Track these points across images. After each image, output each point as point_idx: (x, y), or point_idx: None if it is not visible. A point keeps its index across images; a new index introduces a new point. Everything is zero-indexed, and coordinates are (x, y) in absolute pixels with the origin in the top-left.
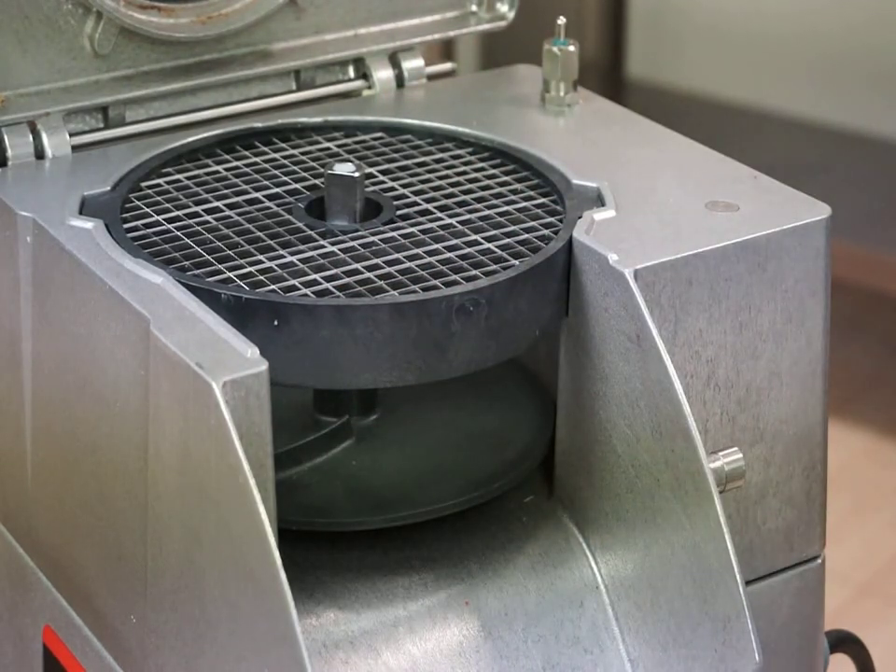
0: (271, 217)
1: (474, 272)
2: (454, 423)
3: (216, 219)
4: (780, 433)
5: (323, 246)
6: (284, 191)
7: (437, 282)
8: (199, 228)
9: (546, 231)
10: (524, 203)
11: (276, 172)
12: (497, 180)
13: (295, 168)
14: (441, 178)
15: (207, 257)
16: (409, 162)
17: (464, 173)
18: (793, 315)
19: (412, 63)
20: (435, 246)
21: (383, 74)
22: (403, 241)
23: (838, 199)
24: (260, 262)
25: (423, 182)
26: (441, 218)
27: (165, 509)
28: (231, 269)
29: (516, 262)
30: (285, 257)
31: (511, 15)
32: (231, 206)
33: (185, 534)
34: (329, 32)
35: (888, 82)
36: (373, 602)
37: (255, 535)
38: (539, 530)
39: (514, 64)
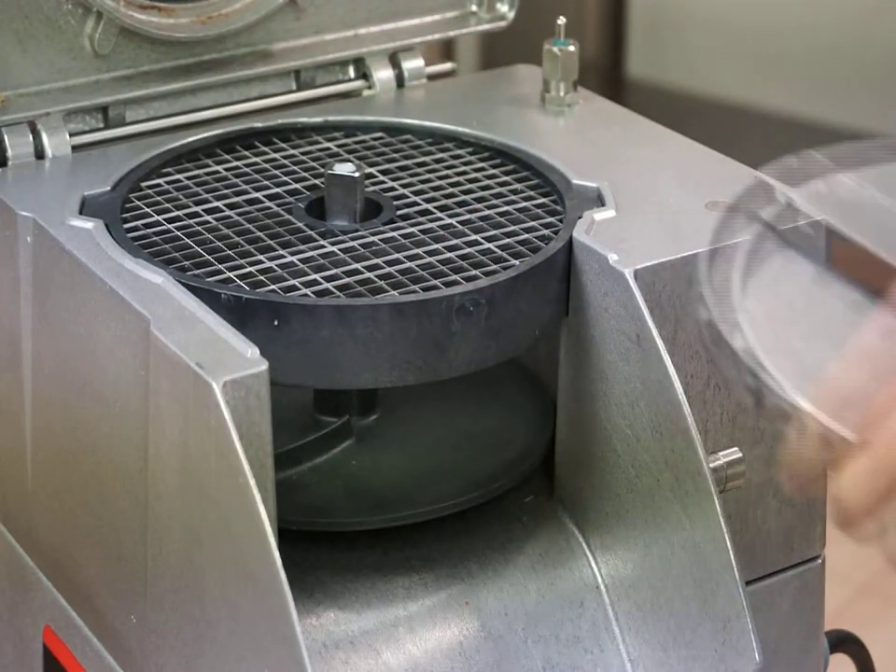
0: (271, 217)
1: (474, 272)
2: (454, 423)
3: (216, 219)
4: (780, 433)
5: (323, 246)
6: (284, 191)
7: (437, 282)
8: (199, 228)
9: (546, 231)
10: (524, 203)
11: (276, 172)
12: (497, 180)
13: (295, 168)
14: (441, 178)
15: (207, 257)
16: (409, 162)
17: (464, 173)
18: None
19: (412, 63)
20: (435, 246)
21: (383, 74)
22: (403, 241)
23: None
24: (260, 262)
25: (423, 182)
26: (441, 218)
27: (165, 509)
28: (232, 269)
29: (516, 262)
30: (285, 257)
31: (511, 15)
32: (231, 206)
33: (185, 534)
34: (329, 32)
35: (888, 82)
36: (373, 602)
37: (255, 535)
38: (539, 530)
39: (514, 64)
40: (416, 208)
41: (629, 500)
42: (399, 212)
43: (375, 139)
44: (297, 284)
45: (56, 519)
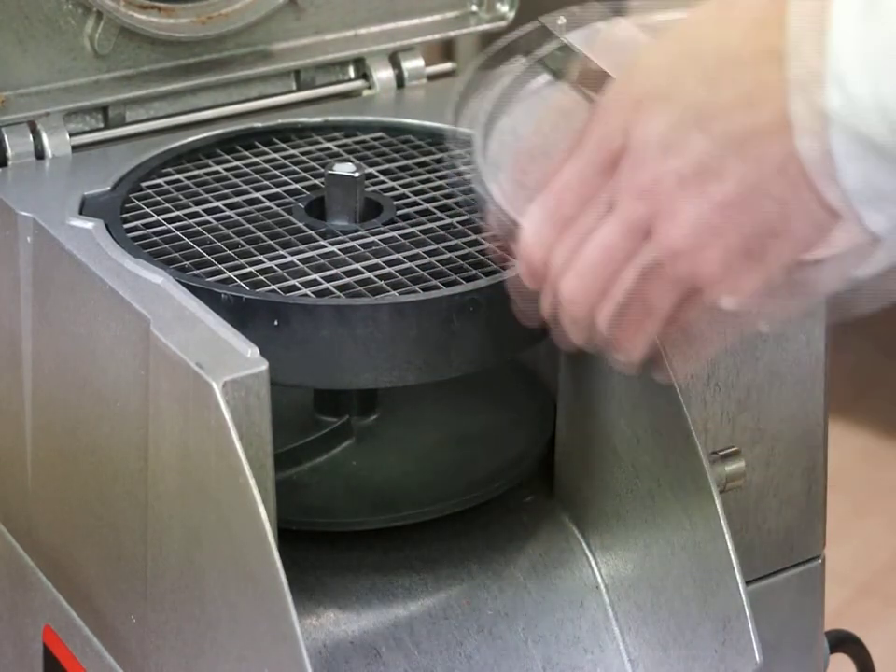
0: (271, 217)
1: (474, 272)
2: (454, 423)
3: (216, 219)
4: (780, 433)
5: (323, 246)
6: (284, 191)
7: (437, 282)
8: (199, 228)
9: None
10: None
11: (276, 172)
12: None
13: (295, 168)
14: (441, 178)
15: (207, 257)
16: (409, 162)
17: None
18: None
19: (412, 63)
20: (435, 246)
21: (383, 74)
22: (403, 241)
23: None
24: (260, 262)
25: (423, 182)
26: (441, 218)
27: (165, 509)
28: (232, 269)
29: (517, 262)
30: (285, 257)
31: (511, 15)
32: (231, 206)
33: (185, 534)
34: (329, 32)
35: None
36: (373, 602)
37: (255, 535)
38: (539, 530)
39: None
40: (416, 208)
41: (629, 500)
42: (399, 212)
43: (375, 139)
44: (297, 284)
45: (56, 519)
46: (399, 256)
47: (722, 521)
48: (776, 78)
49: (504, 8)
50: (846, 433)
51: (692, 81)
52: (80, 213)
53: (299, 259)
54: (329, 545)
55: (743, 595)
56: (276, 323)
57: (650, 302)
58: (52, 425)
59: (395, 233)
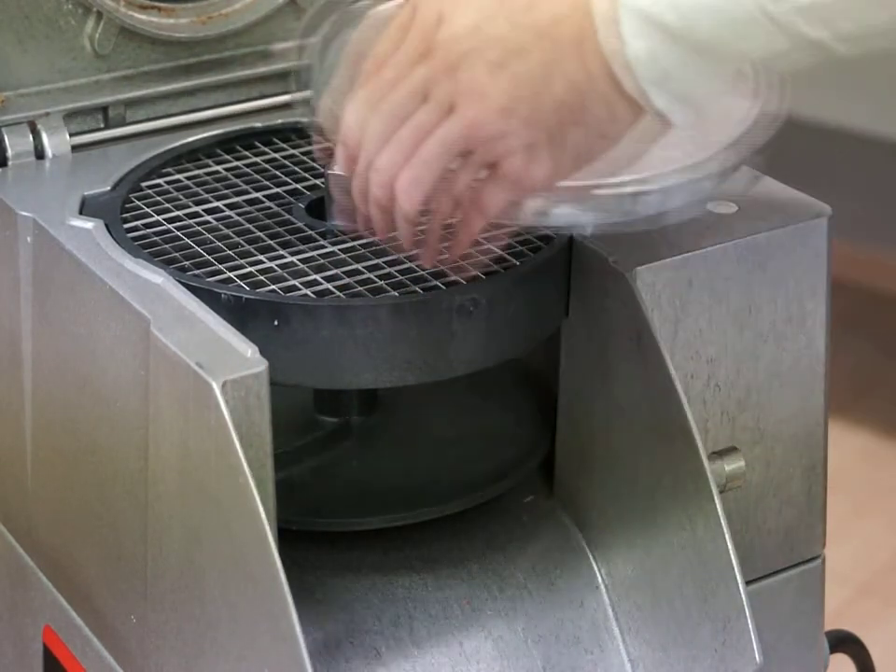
0: (271, 217)
1: (474, 272)
2: (454, 423)
3: (216, 219)
4: (780, 433)
5: (323, 246)
6: (284, 191)
7: (437, 282)
8: (199, 228)
9: (546, 231)
10: None
11: (276, 172)
12: None
13: (295, 168)
14: None
15: (207, 257)
16: None
17: None
18: (793, 316)
19: None
20: None
21: None
22: None
23: (838, 199)
24: (261, 262)
25: None
26: None
27: (165, 509)
28: (232, 269)
29: (516, 262)
30: (285, 257)
31: None
32: (231, 206)
33: (185, 534)
34: None
35: (888, 82)
36: (373, 602)
37: (255, 535)
38: (539, 530)
39: None
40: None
41: (629, 500)
42: None
43: None
44: (297, 284)
45: (56, 519)
46: (399, 256)
47: (722, 521)
48: None
49: None
50: (846, 433)
51: None
52: (80, 213)
53: (299, 259)
54: (328, 545)
55: (743, 595)
56: (276, 323)
57: (450, 180)
58: (52, 425)
59: (395, 233)
